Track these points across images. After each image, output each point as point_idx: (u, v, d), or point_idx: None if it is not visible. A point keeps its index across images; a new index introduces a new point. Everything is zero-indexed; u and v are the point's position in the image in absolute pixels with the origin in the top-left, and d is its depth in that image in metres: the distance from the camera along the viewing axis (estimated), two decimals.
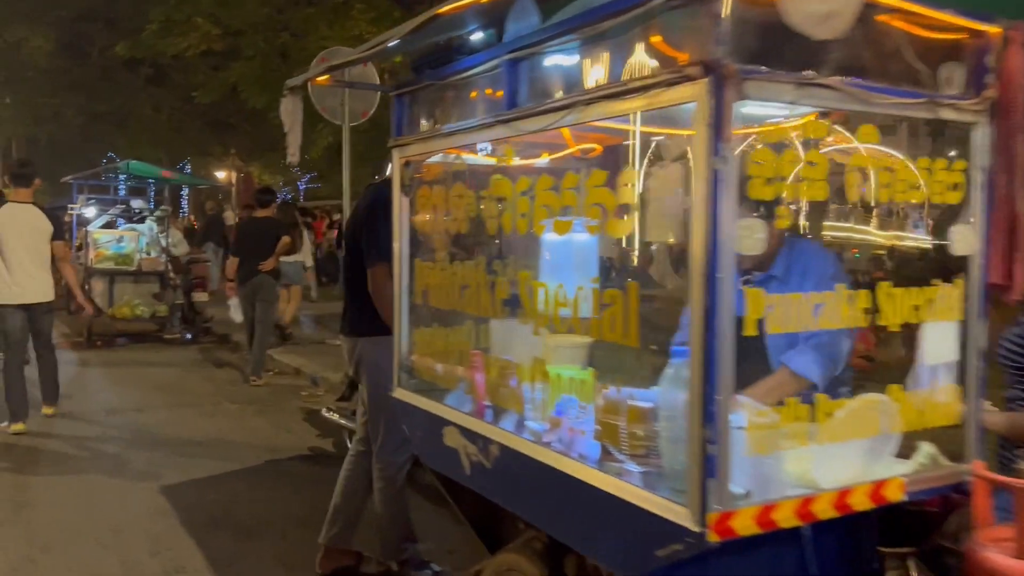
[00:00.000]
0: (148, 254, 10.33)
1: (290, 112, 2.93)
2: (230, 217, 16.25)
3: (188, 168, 27.43)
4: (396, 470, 3.47)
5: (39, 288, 5.80)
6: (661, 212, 1.87)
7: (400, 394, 2.88)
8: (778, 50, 1.70)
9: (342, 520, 3.59)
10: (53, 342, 6.14)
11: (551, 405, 2.21)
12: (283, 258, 8.25)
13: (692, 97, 1.59)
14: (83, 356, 9.04)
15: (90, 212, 10.50)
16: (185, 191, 33.22)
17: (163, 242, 10.21)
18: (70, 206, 11.85)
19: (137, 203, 10.96)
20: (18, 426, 5.69)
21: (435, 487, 3.02)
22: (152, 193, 23.44)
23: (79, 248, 10.98)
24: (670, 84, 1.64)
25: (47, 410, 6.13)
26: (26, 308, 5.76)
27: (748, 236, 1.66)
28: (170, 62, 27.47)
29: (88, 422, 6.22)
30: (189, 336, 10.04)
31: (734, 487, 1.65)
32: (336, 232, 15.65)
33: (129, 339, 9.95)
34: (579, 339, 2.63)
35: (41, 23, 25.47)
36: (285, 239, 8.01)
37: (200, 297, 10.15)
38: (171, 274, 10.06)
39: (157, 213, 10.40)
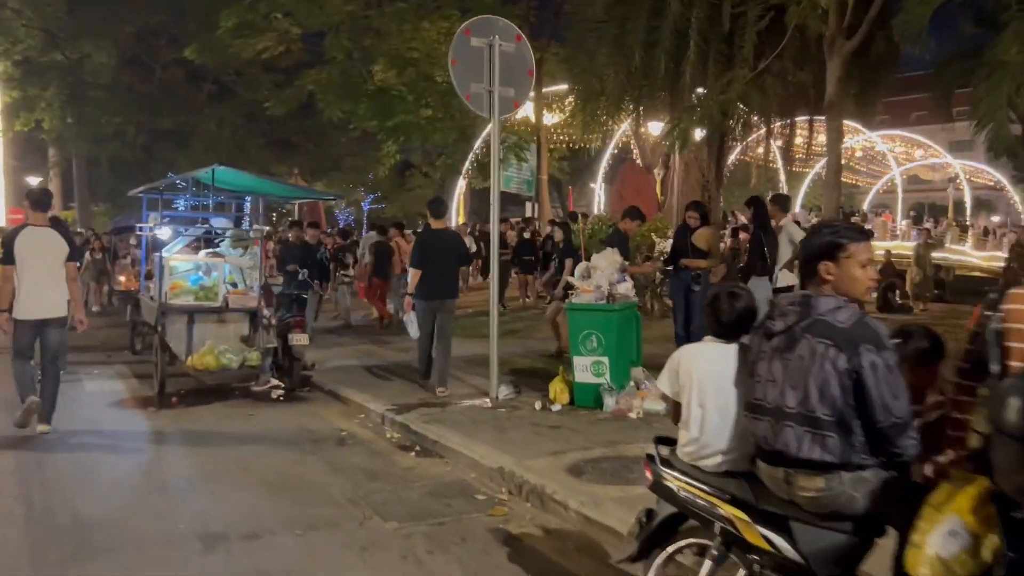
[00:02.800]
0: (234, 285, 8.16)
1: None
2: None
3: None
4: None
5: (51, 304, 6.16)
6: None
7: None
8: None
9: None
10: (60, 358, 6.23)
11: None
12: None
13: None
14: (155, 423, 6.81)
15: (164, 233, 8.35)
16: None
17: (257, 273, 8.04)
18: (138, 225, 9.82)
19: (219, 222, 8.79)
20: (44, 427, 6.10)
21: None
22: (213, 207, 21.56)
23: (148, 277, 8.89)
24: None
25: (42, 428, 6.08)
26: (38, 323, 6.12)
27: None
28: (233, 78, 26.05)
29: (175, 569, 3.93)
30: (281, 387, 7.82)
31: None
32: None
33: (210, 393, 7.79)
34: None
35: (105, 38, 24.22)
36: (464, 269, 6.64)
37: (299, 340, 7.93)
38: (264, 311, 7.84)
39: (251, 235, 8.19)
